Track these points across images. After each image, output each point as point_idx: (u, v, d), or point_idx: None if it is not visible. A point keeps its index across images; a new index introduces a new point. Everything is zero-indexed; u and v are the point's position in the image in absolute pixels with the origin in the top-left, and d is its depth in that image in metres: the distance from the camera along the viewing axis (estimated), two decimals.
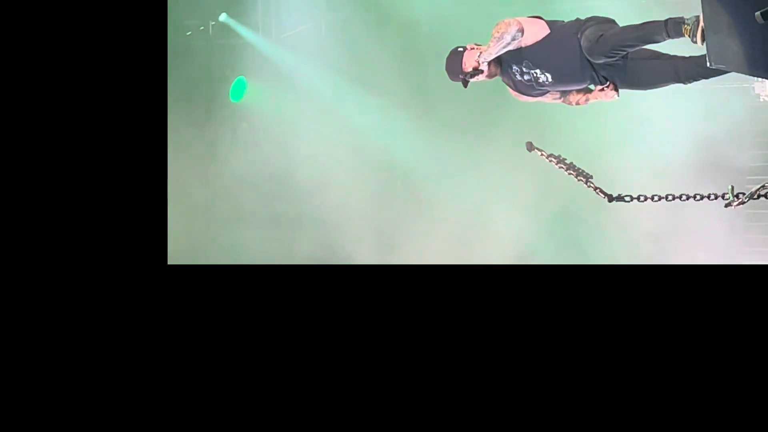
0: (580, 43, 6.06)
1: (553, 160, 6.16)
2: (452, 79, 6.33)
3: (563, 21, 6.29)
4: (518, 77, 6.31)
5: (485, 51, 6.15)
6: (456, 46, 6.31)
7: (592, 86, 6.31)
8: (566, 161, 6.17)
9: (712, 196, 6.01)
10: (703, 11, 5.30)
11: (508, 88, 6.49)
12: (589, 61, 6.09)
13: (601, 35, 5.98)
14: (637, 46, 5.99)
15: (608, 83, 6.24)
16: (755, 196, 5.78)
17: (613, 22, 6.14)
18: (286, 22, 10.68)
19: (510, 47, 6.14)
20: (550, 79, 6.25)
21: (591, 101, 6.42)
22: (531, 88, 6.36)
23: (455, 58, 6.27)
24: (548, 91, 6.39)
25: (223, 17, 10.67)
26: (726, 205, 5.90)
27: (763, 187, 5.75)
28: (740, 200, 5.85)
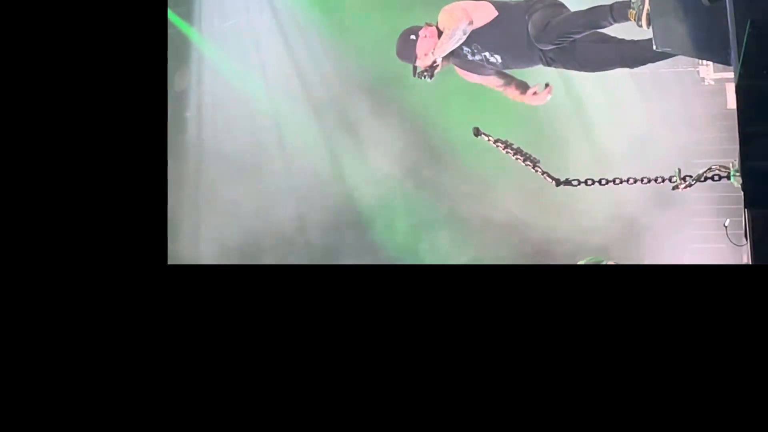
0: (527, 25, 6.06)
1: (500, 145, 6.14)
2: (402, 60, 6.31)
3: (509, 1, 6.28)
4: (470, 57, 6.30)
5: (438, 48, 6.14)
6: (406, 28, 6.27)
7: (531, 84, 6.37)
8: (513, 146, 6.15)
9: (660, 179, 6.03)
10: None
11: (455, 67, 6.46)
12: None
13: (548, 23, 5.98)
14: (584, 32, 6.00)
15: (546, 86, 6.31)
16: (702, 179, 5.81)
17: (561, 5, 6.13)
18: (227, 12, 10.58)
19: (462, 41, 6.14)
20: (500, 60, 6.26)
21: (523, 102, 6.46)
22: (483, 68, 6.36)
23: (407, 45, 6.23)
24: (499, 71, 6.40)
25: None
26: (673, 188, 5.93)
27: (709, 169, 5.77)
28: (687, 183, 5.88)
